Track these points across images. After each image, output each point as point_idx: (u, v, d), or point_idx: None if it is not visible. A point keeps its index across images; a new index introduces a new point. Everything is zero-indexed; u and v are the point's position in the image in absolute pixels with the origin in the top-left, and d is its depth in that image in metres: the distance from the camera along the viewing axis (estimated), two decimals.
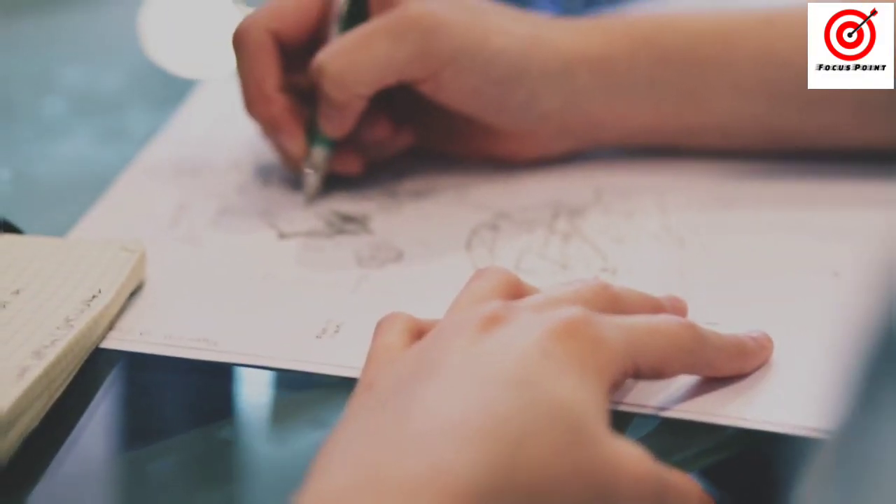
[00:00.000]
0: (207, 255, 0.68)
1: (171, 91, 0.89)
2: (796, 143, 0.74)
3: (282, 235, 0.70)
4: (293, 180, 0.74)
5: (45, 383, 0.56)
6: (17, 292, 0.62)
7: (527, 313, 0.52)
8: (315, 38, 0.72)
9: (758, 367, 0.57)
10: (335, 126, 0.70)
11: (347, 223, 0.71)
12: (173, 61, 0.95)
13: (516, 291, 0.55)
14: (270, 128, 0.71)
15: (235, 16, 0.91)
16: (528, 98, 0.71)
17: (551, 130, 0.74)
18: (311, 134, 0.71)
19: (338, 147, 0.72)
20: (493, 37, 0.69)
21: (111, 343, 0.61)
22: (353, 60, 0.68)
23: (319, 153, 0.72)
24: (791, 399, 0.55)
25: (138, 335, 0.62)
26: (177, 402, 0.63)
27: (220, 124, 0.81)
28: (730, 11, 0.73)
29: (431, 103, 0.71)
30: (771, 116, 0.72)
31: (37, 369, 0.56)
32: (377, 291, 0.65)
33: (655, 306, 0.57)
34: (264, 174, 0.76)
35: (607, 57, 0.72)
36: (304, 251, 0.68)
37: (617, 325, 0.51)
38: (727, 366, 0.56)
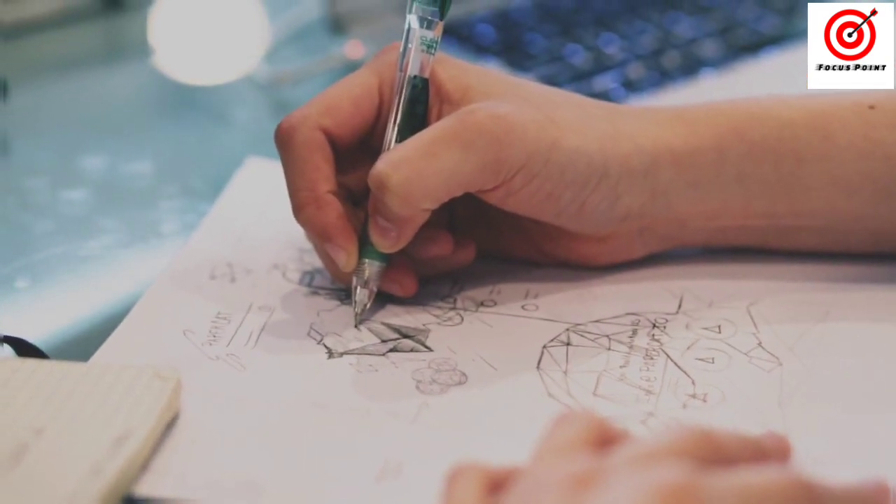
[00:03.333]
0: (249, 379, 0.62)
1: (204, 179, 0.83)
2: None
3: (331, 354, 0.63)
4: (341, 284, 0.68)
5: None
6: (40, 431, 0.56)
7: (622, 472, 0.46)
8: (368, 136, 0.66)
9: None
10: (391, 242, 0.63)
11: (403, 338, 0.64)
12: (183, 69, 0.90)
13: (605, 439, 0.50)
14: (320, 236, 0.65)
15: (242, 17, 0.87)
16: (608, 199, 0.65)
17: (632, 232, 0.67)
18: (363, 245, 0.64)
19: (390, 261, 0.66)
20: (568, 136, 0.63)
21: (144, 488, 0.55)
22: (418, 172, 0.61)
23: (372, 268, 0.65)
24: None
25: (175, 478, 0.56)
26: None
27: (259, 220, 0.75)
28: (826, 96, 0.66)
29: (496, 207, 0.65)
30: (874, 214, 0.66)
31: None
32: (440, 422, 0.59)
33: (758, 452, 0.51)
34: (309, 277, 0.69)
35: (692, 151, 0.65)
36: (357, 373, 0.62)
37: (725, 492, 0.46)
38: None
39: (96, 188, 0.83)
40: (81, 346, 0.64)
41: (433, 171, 0.61)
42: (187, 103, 1.01)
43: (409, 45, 0.64)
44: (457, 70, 0.65)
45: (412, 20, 0.64)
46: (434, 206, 0.62)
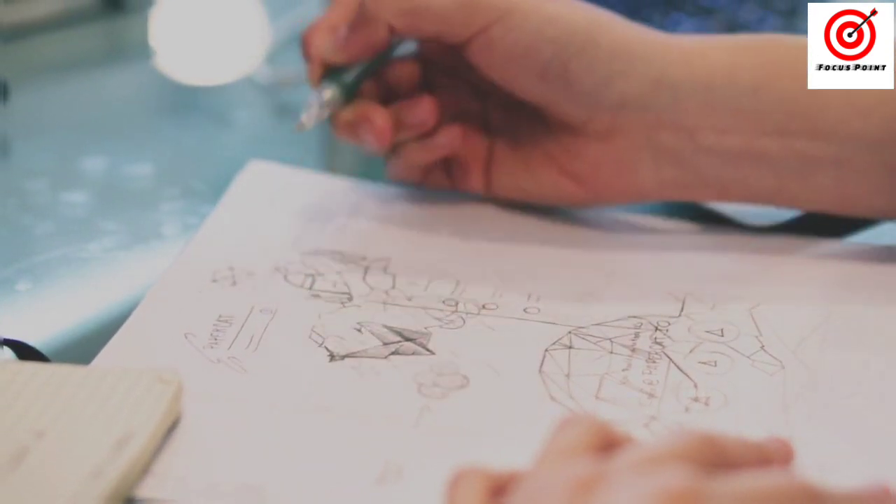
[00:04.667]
0: (250, 382, 0.62)
1: (205, 181, 0.83)
2: None
3: (332, 357, 0.63)
4: (343, 288, 0.68)
5: None
6: (41, 434, 0.56)
7: (625, 477, 0.46)
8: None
9: None
10: (337, 44, 0.68)
11: (404, 341, 0.64)
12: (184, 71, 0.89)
13: (607, 443, 0.50)
14: (307, 36, 0.70)
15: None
16: (597, 72, 0.66)
17: (637, 134, 0.67)
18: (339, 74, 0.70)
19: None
20: (552, 3, 0.66)
21: (145, 491, 0.55)
22: None
23: (328, 92, 0.70)
24: None
25: (175, 481, 0.55)
26: None
27: (260, 223, 0.74)
28: None
29: (503, 143, 0.69)
30: (889, 141, 0.66)
31: None
32: (442, 426, 0.59)
33: (761, 456, 0.52)
34: (311, 281, 0.69)
35: (704, 52, 0.67)
36: (358, 376, 0.62)
37: (727, 496, 0.46)
38: None
39: (97, 190, 0.82)
40: (82, 348, 0.64)
41: None
42: (188, 104, 1.00)
43: None
44: None
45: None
46: (399, 24, 0.66)
